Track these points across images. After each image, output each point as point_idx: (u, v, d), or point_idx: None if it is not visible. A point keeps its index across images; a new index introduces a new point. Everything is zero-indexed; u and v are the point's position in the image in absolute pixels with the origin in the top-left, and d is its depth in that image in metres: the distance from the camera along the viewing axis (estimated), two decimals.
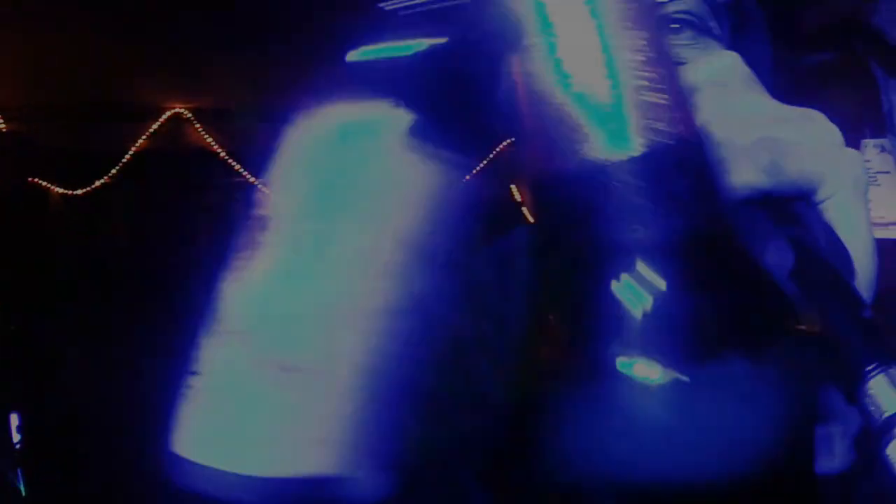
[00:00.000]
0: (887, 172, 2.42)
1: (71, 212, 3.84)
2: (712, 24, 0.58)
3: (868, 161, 2.45)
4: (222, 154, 3.90)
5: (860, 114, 2.55)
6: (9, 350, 2.54)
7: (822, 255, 0.36)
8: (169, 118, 3.79)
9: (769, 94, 0.42)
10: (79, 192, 3.97)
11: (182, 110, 3.79)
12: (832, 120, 0.42)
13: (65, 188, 3.96)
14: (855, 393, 0.34)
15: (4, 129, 3.60)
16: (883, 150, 2.44)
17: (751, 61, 0.58)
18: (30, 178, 3.92)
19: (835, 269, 0.36)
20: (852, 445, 0.41)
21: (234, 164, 4.03)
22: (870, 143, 2.47)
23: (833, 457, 0.40)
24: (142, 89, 3.55)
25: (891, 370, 0.34)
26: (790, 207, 0.38)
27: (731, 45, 0.58)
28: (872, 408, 0.34)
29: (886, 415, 0.33)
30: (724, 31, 0.58)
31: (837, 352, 0.35)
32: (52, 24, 2.72)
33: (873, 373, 0.34)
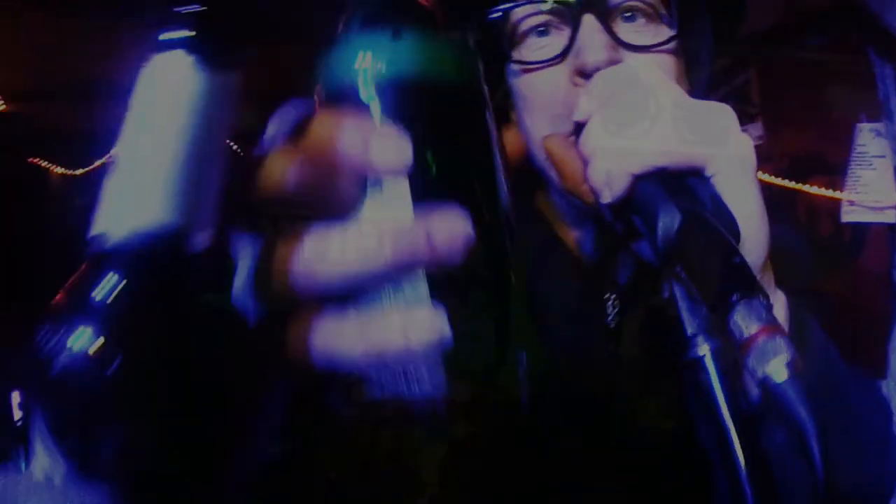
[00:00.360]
0: (882, 157, 2.48)
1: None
2: (663, 12, 0.64)
3: (863, 145, 2.51)
4: None
5: (856, 99, 2.61)
6: None
7: (705, 217, 0.47)
8: None
9: (683, 90, 0.53)
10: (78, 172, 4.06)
11: None
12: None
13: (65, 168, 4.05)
14: (724, 320, 0.45)
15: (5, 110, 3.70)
16: (878, 134, 2.50)
17: (691, 50, 0.66)
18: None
19: (715, 227, 0.47)
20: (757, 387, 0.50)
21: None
22: (865, 128, 2.52)
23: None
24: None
25: (752, 301, 0.45)
26: (683, 180, 0.49)
27: (679, 33, 0.65)
28: (737, 331, 0.45)
29: (746, 334, 0.45)
30: (674, 19, 0.63)
31: (711, 288, 0.46)
32: (50, 4, 2.76)
33: (738, 304, 0.45)
